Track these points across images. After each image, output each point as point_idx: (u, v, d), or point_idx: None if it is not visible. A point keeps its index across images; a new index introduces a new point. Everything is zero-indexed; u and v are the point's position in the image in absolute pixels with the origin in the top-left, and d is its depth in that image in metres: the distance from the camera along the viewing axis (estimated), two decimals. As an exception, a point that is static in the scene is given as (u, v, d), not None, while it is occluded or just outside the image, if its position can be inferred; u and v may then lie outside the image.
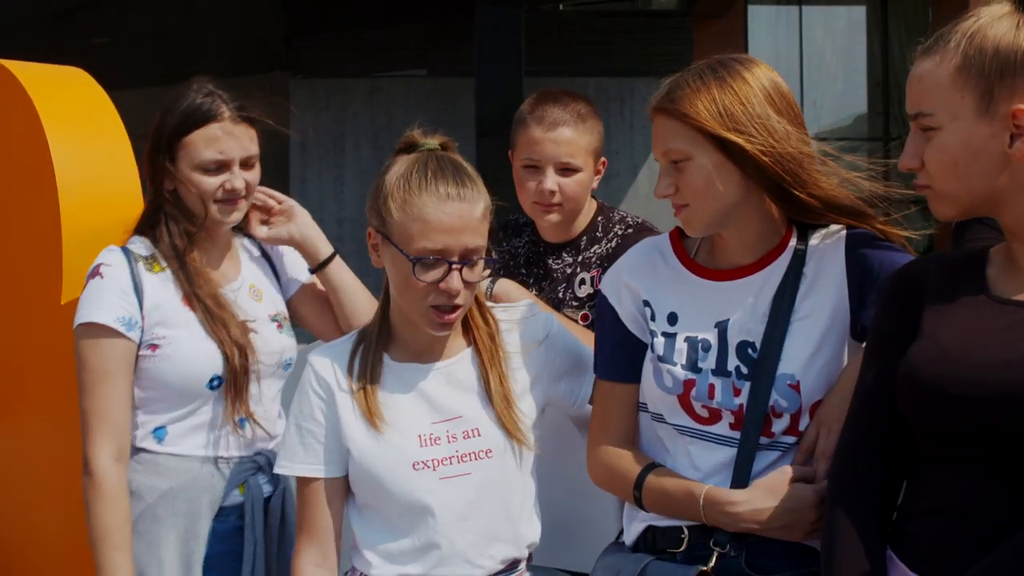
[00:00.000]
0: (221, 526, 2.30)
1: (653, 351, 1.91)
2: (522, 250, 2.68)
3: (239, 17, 12.66)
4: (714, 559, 1.80)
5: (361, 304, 2.46)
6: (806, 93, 15.54)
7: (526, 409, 2.01)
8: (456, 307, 1.91)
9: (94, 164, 2.79)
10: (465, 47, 12.75)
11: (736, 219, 1.86)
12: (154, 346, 2.28)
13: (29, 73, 2.86)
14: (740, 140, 1.76)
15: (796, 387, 1.81)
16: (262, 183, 2.44)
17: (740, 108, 1.77)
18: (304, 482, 2.01)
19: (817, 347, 1.82)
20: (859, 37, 16.10)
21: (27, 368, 2.83)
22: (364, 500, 2.00)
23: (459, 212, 1.88)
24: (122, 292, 2.27)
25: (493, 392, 1.97)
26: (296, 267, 2.55)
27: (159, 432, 2.31)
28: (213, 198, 2.30)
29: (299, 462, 2.00)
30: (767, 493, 1.78)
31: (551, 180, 2.49)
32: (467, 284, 1.91)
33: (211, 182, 2.30)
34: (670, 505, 1.86)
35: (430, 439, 1.95)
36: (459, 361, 2.01)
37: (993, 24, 1.55)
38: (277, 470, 2.06)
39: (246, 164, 2.34)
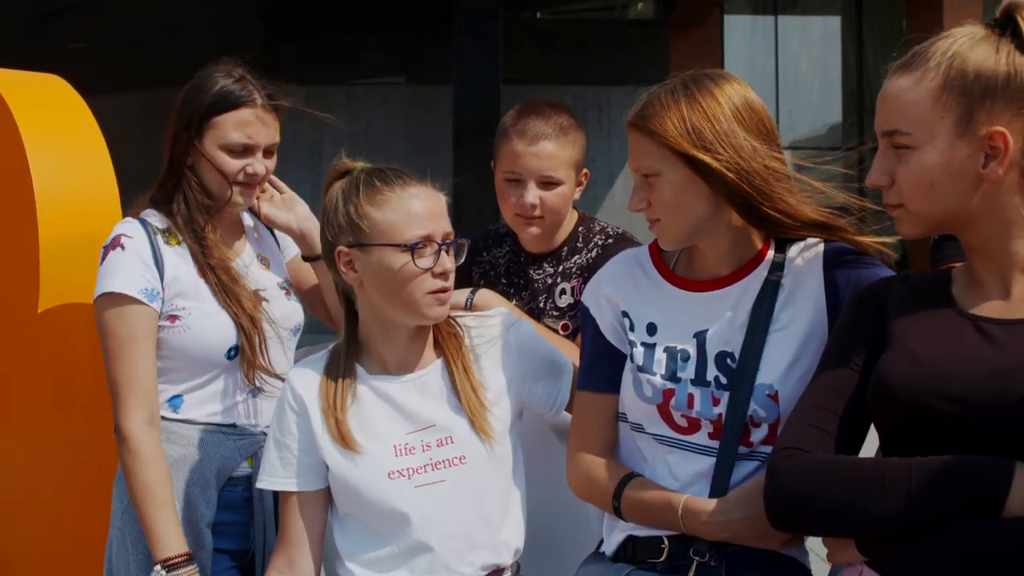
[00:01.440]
0: (230, 494, 2.34)
1: (632, 361, 1.93)
2: (503, 260, 2.69)
3: (217, 23, 12.62)
4: (694, 568, 1.82)
5: None
6: (781, 103, 15.63)
7: (500, 413, 2.03)
8: (447, 288, 1.99)
9: (72, 173, 2.78)
10: (443, 55, 12.76)
11: (709, 232, 1.89)
12: (173, 317, 2.31)
13: (7, 81, 2.85)
14: (706, 157, 1.79)
15: (775, 397, 1.83)
16: None
17: (708, 125, 1.81)
18: (283, 495, 2.05)
19: (795, 357, 1.84)
20: (834, 47, 16.21)
21: (6, 375, 2.81)
22: (345, 509, 2.03)
23: (431, 198, 2.00)
24: (144, 264, 2.29)
25: (464, 397, 2.00)
26: (288, 240, 2.60)
27: (175, 401, 2.34)
28: (234, 179, 2.34)
29: (276, 476, 2.04)
30: (745, 502, 1.79)
31: (532, 194, 2.49)
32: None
33: (234, 164, 2.34)
34: (649, 515, 1.88)
35: (405, 449, 1.98)
36: (430, 372, 2.04)
37: (973, 47, 1.56)
38: (259, 485, 2.09)
39: (268, 151, 2.39)
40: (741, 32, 16.02)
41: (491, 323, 2.12)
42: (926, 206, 1.59)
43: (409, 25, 13.93)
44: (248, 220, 2.55)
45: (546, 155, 2.49)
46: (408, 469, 1.97)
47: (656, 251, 2.01)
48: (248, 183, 2.36)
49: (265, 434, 2.33)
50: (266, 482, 2.06)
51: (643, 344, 1.93)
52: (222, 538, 2.32)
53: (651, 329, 1.93)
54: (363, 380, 2.03)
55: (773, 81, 15.73)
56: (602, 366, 1.98)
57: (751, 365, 1.83)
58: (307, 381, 2.05)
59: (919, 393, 1.53)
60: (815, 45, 16.21)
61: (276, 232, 2.58)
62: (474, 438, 1.99)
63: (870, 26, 15.87)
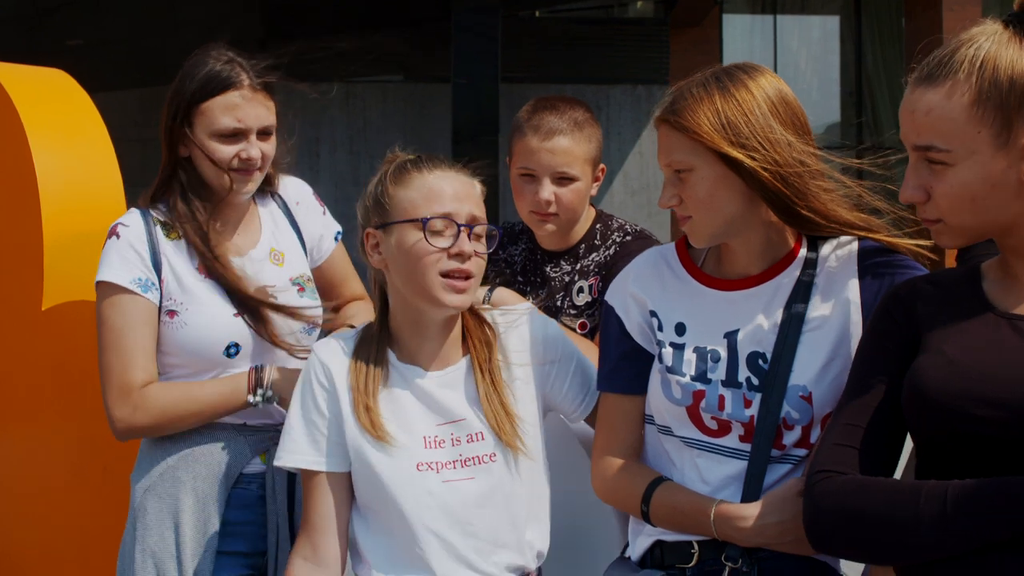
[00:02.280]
0: (242, 493, 2.30)
1: (661, 362, 1.88)
2: (519, 258, 2.65)
3: (214, 21, 12.58)
4: (726, 574, 1.78)
5: None
6: (780, 102, 15.62)
7: (526, 415, 1.98)
8: (468, 275, 1.92)
9: (76, 168, 2.76)
10: (442, 52, 12.74)
11: (741, 230, 1.84)
12: (172, 312, 2.27)
13: (10, 75, 2.83)
14: (741, 154, 1.74)
15: (808, 398, 1.78)
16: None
17: (743, 119, 1.75)
18: (307, 475, 1.97)
19: (829, 358, 1.80)
20: (833, 46, 16.20)
21: (9, 373, 2.80)
22: (365, 501, 1.96)
23: (460, 181, 1.97)
24: (136, 254, 2.26)
25: (488, 401, 1.94)
26: (320, 240, 2.54)
27: None
28: (229, 167, 2.27)
29: (301, 454, 1.95)
30: (779, 507, 1.75)
31: (547, 190, 2.46)
32: (477, 254, 1.94)
33: (227, 150, 2.27)
34: (680, 520, 1.83)
35: (435, 441, 1.93)
36: (457, 370, 1.99)
37: (1000, 51, 1.50)
38: (277, 463, 2.00)
39: (263, 134, 2.31)
40: (740, 31, 16.00)
41: (519, 318, 2.06)
42: (967, 220, 1.53)
43: (407, 23, 13.91)
44: (266, 212, 2.47)
45: (560, 151, 2.45)
46: (437, 463, 1.91)
47: (684, 249, 1.96)
48: (245, 169, 2.28)
49: (278, 430, 2.24)
50: (289, 459, 1.96)
51: (672, 344, 1.88)
52: (235, 539, 2.28)
53: (680, 329, 1.88)
54: (395, 366, 1.98)
55: (772, 80, 15.73)
56: (628, 367, 1.93)
57: (784, 366, 1.78)
58: (336, 358, 1.98)
59: (958, 399, 1.48)
60: (814, 44, 16.20)
61: (302, 227, 2.50)
62: (499, 440, 1.94)
63: (869, 25, 15.86)
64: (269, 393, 2.23)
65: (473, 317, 2.04)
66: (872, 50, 15.74)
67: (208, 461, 2.27)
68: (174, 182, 2.32)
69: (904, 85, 1.59)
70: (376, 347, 1.98)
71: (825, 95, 15.97)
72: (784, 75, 16.30)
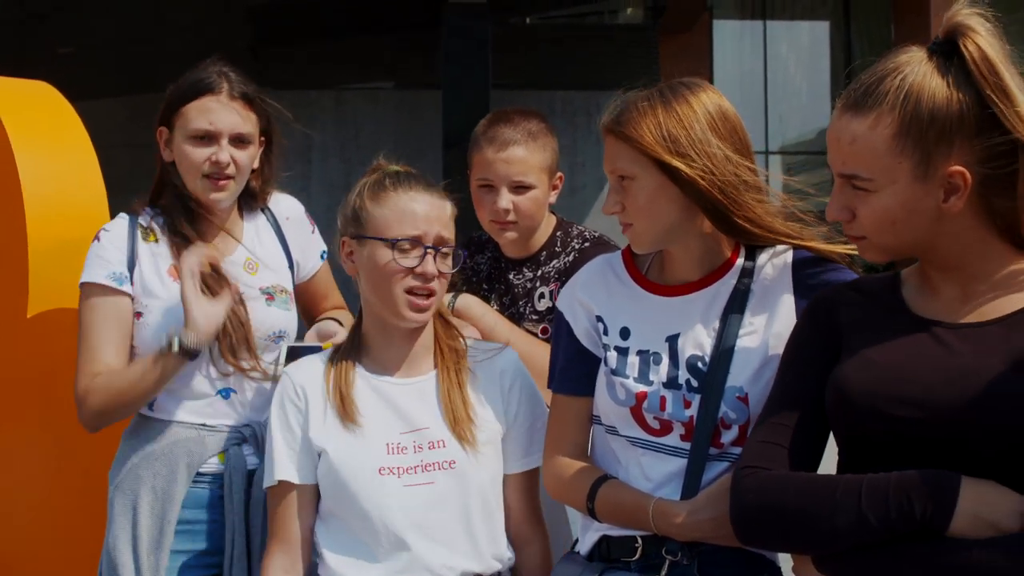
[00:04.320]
0: (201, 492, 2.36)
1: (606, 365, 1.96)
2: (484, 266, 2.73)
3: (205, 28, 12.60)
4: (666, 567, 1.85)
5: None
6: (771, 107, 15.67)
7: (486, 426, 2.07)
8: (431, 293, 2.04)
9: (60, 178, 2.80)
10: (432, 59, 12.77)
11: (680, 237, 1.92)
12: (139, 313, 2.36)
13: (-5, 86, 2.86)
14: (680, 164, 1.83)
15: (744, 399, 1.87)
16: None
17: (683, 132, 1.84)
18: (283, 488, 2.07)
19: (764, 361, 1.87)
20: (823, 52, 16.27)
21: (-6, 380, 2.81)
22: (329, 507, 2.05)
23: (431, 204, 2.07)
24: (111, 252, 2.35)
25: (449, 400, 2.05)
26: (307, 256, 2.60)
27: None
28: (200, 172, 2.34)
29: (281, 468, 2.06)
30: (713, 502, 1.82)
31: (505, 199, 2.54)
32: (441, 274, 2.04)
33: (198, 154, 2.34)
34: (622, 516, 1.91)
35: (397, 448, 2.02)
36: (427, 380, 2.09)
37: (924, 82, 1.54)
38: (266, 486, 2.11)
39: (238, 141, 2.37)
40: (730, 37, 16.06)
41: (493, 349, 2.17)
42: (889, 240, 1.61)
43: (398, 29, 13.93)
44: (251, 224, 2.53)
45: (516, 160, 2.54)
46: (399, 468, 2.01)
47: (629, 256, 2.04)
48: (216, 175, 2.34)
49: (248, 426, 2.39)
50: (269, 478, 2.08)
51: (616, 348, 1.96)
52: (193, 537, 2.35)
53: (624, 333, 1.97)
54: (363, 376, 2.08)
55: (762, 86, 15.78)
56: (576, 369, 2.01)
57: (721, 369, 1.87)
58: (308, 374, 2.10)
59: (878, 399, 1.55)
60: (804, 50, 16.27)
61: (290, 241, 2.57)
62: (461, 448, 2.03)
63: (858, 31, 15.93)
64: (184, 337, 2.23)
65: (443, 325, 2.14)
66: (861, 55, 15.79)
67: (167, 459, 2.34)
68: (166, 186, 2.41)
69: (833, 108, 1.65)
70: (345, 359, 2.09)
71: (815, 100, 16.02)
72: (774, 81, 16.37)
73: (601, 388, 1.97)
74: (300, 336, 2.56)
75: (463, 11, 12.13)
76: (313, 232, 2.64)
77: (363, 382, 2.08)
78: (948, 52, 1.56)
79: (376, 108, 14.75)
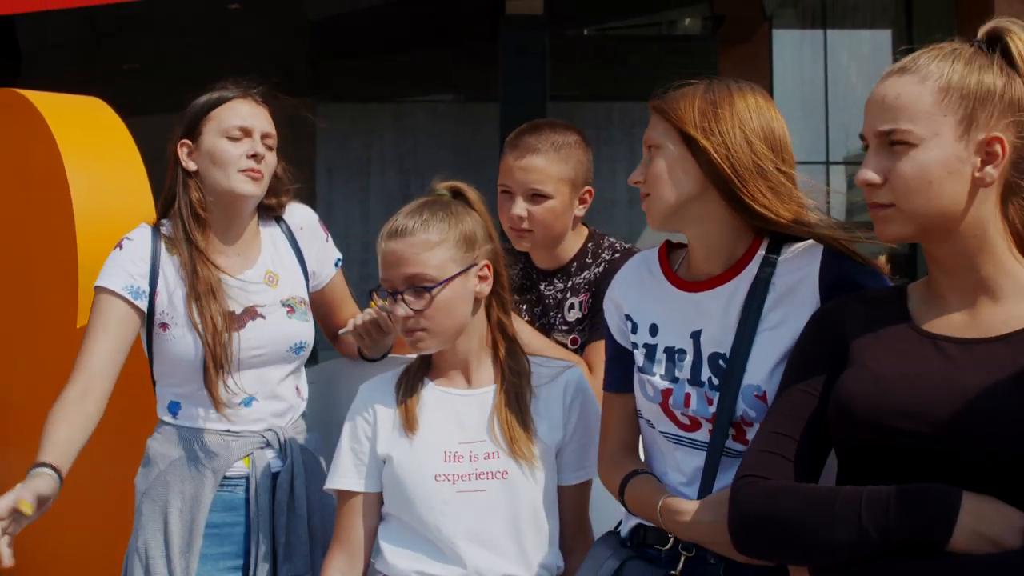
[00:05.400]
0: (228, 495, 2.42)
1: (636, 362, 1.99)
2: (516, 277, 2.72)
3: (266, 41, 12.77)
4: (681, 563, 1.86)
5: None
6: (832, 117, 15.49)
7: (544, 446, 2.14)
8: (412, 331, 2.10)
9: (110, 192, 2.86)
10: (490, 72, 12.82)
11: (694, 218, 1.92)
12: (164, 325, 2.41)
13: (48, 104, 2.93)
14: (699, 136, 1.86)
15: (762, 398, 1.84)
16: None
17: (712, 111, 1.87)
18: (344, 495, 2.18)
19: (782, 357, 1.83)
20: (884, 60, 16.04)
21: (45, 392, 2.87)
22: (389, 508, 2.15)
23: (399, 247, 2.09)
24: (133, 263, 2.40)
25: (511, 428, 2.11)
26: (321, 265, 2.65)
27: (173, 406, 2.46)
28: (237, 167, 2.41)
29: (343, 477, 2.17)
30: (713, 507, 1.81)
31: (519, 206, 2.57)
32: (416, 312, 2.08)
33: (235, 149, 2.42)
34: (643, 510, 1.94)
35: (454, 456, 2.10)
36: (488, 392, 2.16)
37: (972, 57, 1.60)
38: (326, 488, 2.20)
39: (266, 139, 2.47)
40: (790, 46, 15.91)
41: (559, 366, 2.23)
42: (920, 204, 1.58)
43: (456, 42, 14.01)
44: (268, 235, 2.58)
45: (533, 168, 2.55)
46: (453, 475, 2.09)
47: (664, 253, 2.05)
48: (252, 168, 2.42)
49: (271, 430, 2.46)
50: (336, 482, 2.17)
51: (645, 345, 1.98)
52: (221, 541, 2.41)
53: (653, 330, 1.98)
54: (429, 388, 2.18)
55: (823, 95, 15.61)
56: (616, 367, 2.06)
57: (738, 366, 1.86)
58: (378, 392, 2.20)
59: (880, 412, 1.54)
60: (864, 59, 16.06)
61: (305, 252, 2.62)
62: (514, 461, 2.10)
63: (920, 38, 15.59)
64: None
65: (508, 345, 2.20)
66: (924, 64, 15.57)
67: (194, 465, 2.40)
68: (178, 200, 2.45)
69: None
70: (414, 374, 2.20)
71: (877, 109, 15.83)
72: (835, 90, 16.18)
73: (636, 385, 2.00)
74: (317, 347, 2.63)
75: (520, 23, 12.17)
76: (327, 241, 2.68)
77: (429, 393, 2.17)
78: (990, 48, 1.61)
79: (435, 121, 14.84)
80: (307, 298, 2.58)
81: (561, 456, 2.17)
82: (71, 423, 2.25)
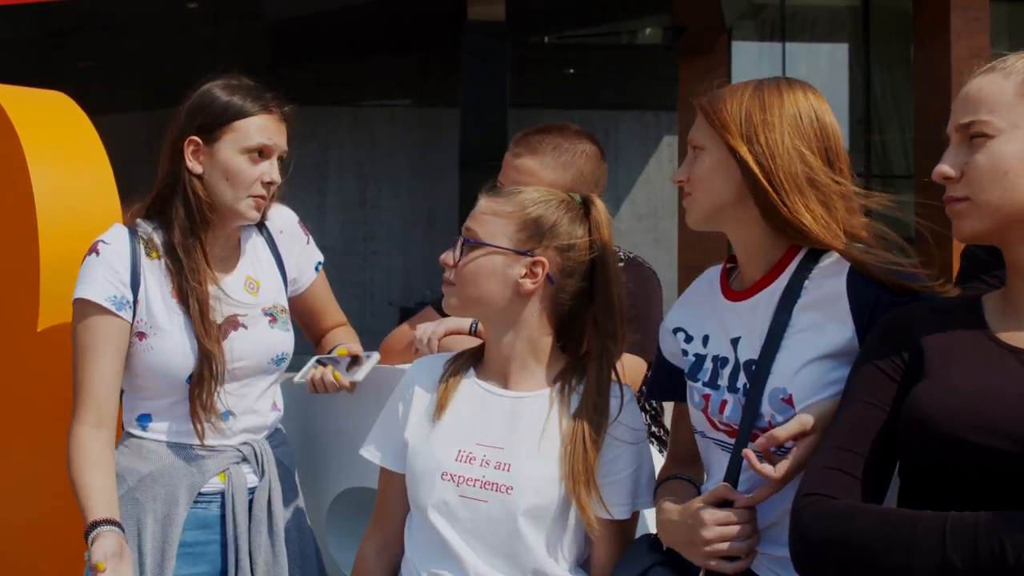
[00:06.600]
0: (202, 512, 2.32)
1: (686, 370, 1.99)
2: None
3: (226, 44, 12.68)
4: (702, 574, 1.81)
5: None
6: (789, 129, 15.61)
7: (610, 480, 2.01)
8: (445, 280, 2.08)
9: (74, 190, 2.77)
10: (450, 78, 12.81)
11: (733, 222, 1.91)
12: (142, 335, 2.29)
13: (11, 97, 2.85)
14: (741, 145, 1.83)
15: (789, 400, 1.80)
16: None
17: (759, 116, 1.84)
18: (384, 474, 2.14)
19: (809, 359, 1.79)
20: (841, 75, 16.24)
21: (5, 393, 2.80)
22: (408, 493, 2.10)
23: (489, 203, 2.10)
24: (114, 271, 2.28)
25: (573, 462, 1.96)
26: (302, 268, 2.56)
27: (143, 419, 2.34)
28: (249, 192, 2.31)
29: (376, 450, 2.13)
30: (682, 511, 1.81)
31: None
32: (453, 264, 2.07)
33: (252, 171, 2.31)
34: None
35: (467, 457, 2.01)
36: (533, 397, 2.05)
37: None
38: (362, 452, 2.13)
39: (281, 158, 2.38)
40: (749, 58, 16.05)
41: (635, 426, 2.06)
42: (996, 196, 1.54)
43: (416, 47, 13.99)
44: (248, 240, 2.48)
45: (525, 169, 2.52)
46: (460, 477, 2.00)
47: (725, 266, 2.05)
48: (262, 196, 2.32)
49: (246, 444, 2.36)
50: (368, 453, 2.13)
51: (695, 355, 1.98)
52: (197, 559, 2.30)
53: (705, 340, 1.98)
54: (469, 380, 2.09)
55: (780, 107, 15.73)
56: (666, 379, 2.08)
57: (763, 370, 1.82)
58: (425, 372, 2.14)
59: (958, 426, 1.46)
60: (823, 72, 16.23)
61: (284, 256, 2.53)
62: (529, 478, 1.97)
63: (878, 53, 15.90)
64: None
65: (600, 374, 2.03)
66: (881, 78, 15.78)
67: (166, 482, 2.29)
68: (175, 200, 2.33)
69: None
70: (463, 363, 2.12)
71: (834, 122, 16.01)
72: (793, 102, 16.33)
73: (687, 394, 2.00)
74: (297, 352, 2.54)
75: (482, 30, 12.19)
76: (308, 243, 2.58)
77: (467, 385, 2.09)
78: None
79: (393, 126, 14.81)
80: (287, 306, 2.48)
81: (604, 488, 2.00)
82: (98, 464, 2.19)
